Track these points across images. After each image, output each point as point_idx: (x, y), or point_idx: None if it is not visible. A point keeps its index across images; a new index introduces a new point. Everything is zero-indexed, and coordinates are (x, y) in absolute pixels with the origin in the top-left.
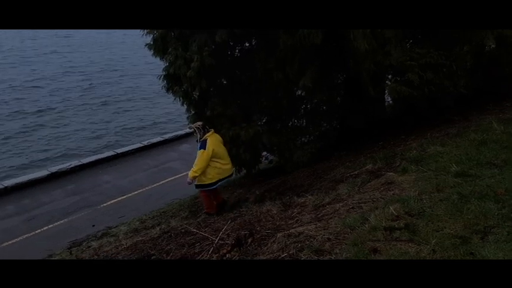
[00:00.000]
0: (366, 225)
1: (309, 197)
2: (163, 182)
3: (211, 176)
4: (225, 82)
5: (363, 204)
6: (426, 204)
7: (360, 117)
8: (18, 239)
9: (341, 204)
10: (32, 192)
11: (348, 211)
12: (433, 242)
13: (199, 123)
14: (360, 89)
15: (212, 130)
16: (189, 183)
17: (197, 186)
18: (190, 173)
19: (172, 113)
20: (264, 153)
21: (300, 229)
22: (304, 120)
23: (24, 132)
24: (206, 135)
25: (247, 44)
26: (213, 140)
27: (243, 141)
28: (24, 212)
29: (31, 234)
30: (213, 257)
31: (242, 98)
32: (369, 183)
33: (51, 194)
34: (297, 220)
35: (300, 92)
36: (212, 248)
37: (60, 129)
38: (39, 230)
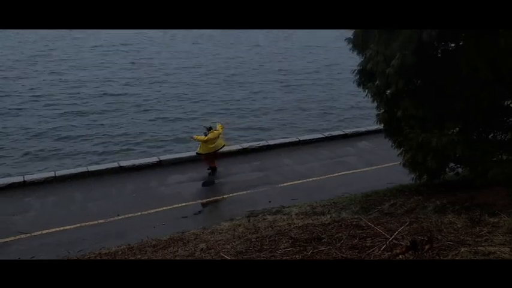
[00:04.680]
0: None
1: (505, 217)
2: (336, 174)
3: (203, 150)
4: (420, 83)
5: None
6: None
7: None
8: (211, 199)
9: None
10: (225, 162)
11: None
12: None
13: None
14: None
15: (213, 129)
16: (191, 138)
17: (197, 153)
18: (196, 136)
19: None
20: (451, 164)
21: (491, 249)
22: (509, 135)
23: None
24: (209, 132)
25: (452, 45)
26: (211, 135)
27: (433, 149)
28: (217, 177)
29: (220, 197)
30: (384, 254)
31: (436, 101)
32: None
33: (240, 167)
34: (487, 239)
35: (509, 102)
36: (385, 246)
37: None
38: (227, 196)
